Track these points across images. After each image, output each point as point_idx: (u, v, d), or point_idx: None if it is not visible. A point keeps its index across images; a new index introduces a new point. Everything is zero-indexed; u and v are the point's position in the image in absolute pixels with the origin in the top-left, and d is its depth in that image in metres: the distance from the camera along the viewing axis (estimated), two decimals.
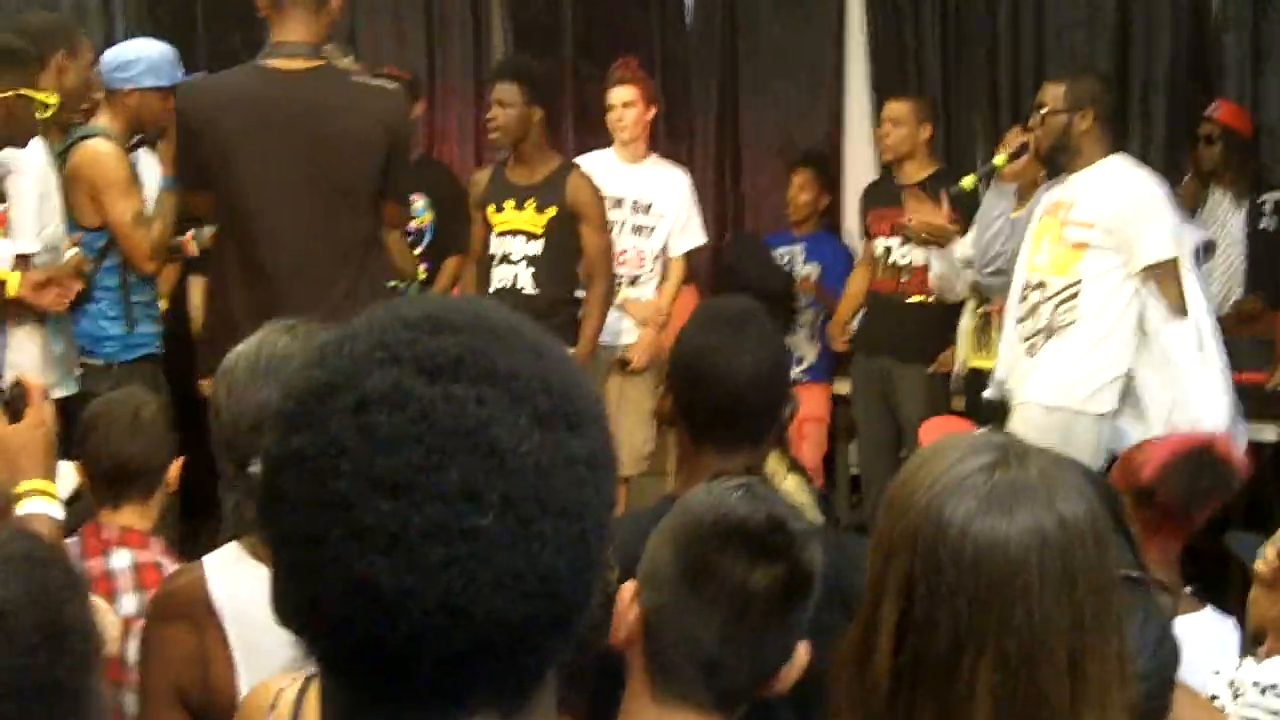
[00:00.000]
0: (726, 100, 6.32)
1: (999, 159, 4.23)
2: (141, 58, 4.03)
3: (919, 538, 1.18)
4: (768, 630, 1.47)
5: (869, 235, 5.25)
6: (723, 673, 1.46)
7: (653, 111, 5.00)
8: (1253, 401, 4.30)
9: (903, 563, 1.19)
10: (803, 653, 1.50)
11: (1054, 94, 3.97)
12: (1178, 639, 1.72)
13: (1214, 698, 1.94)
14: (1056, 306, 3.95)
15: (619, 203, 4.84)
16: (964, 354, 4.75)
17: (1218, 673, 1.99)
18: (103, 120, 4.04)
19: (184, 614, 1.85)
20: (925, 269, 4.88)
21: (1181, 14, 5.48)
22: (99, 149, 3.93)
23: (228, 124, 3.26)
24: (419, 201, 5.24)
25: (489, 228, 4.55)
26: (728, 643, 1.45)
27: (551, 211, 4.47)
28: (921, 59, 5.96)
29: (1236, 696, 1.92)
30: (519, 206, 4.50)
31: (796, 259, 5.57)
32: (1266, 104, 5.31)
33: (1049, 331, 3.93)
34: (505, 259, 4.51)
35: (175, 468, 2.77)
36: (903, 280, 5.04)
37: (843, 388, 5.38)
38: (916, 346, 4.96)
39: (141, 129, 4.09)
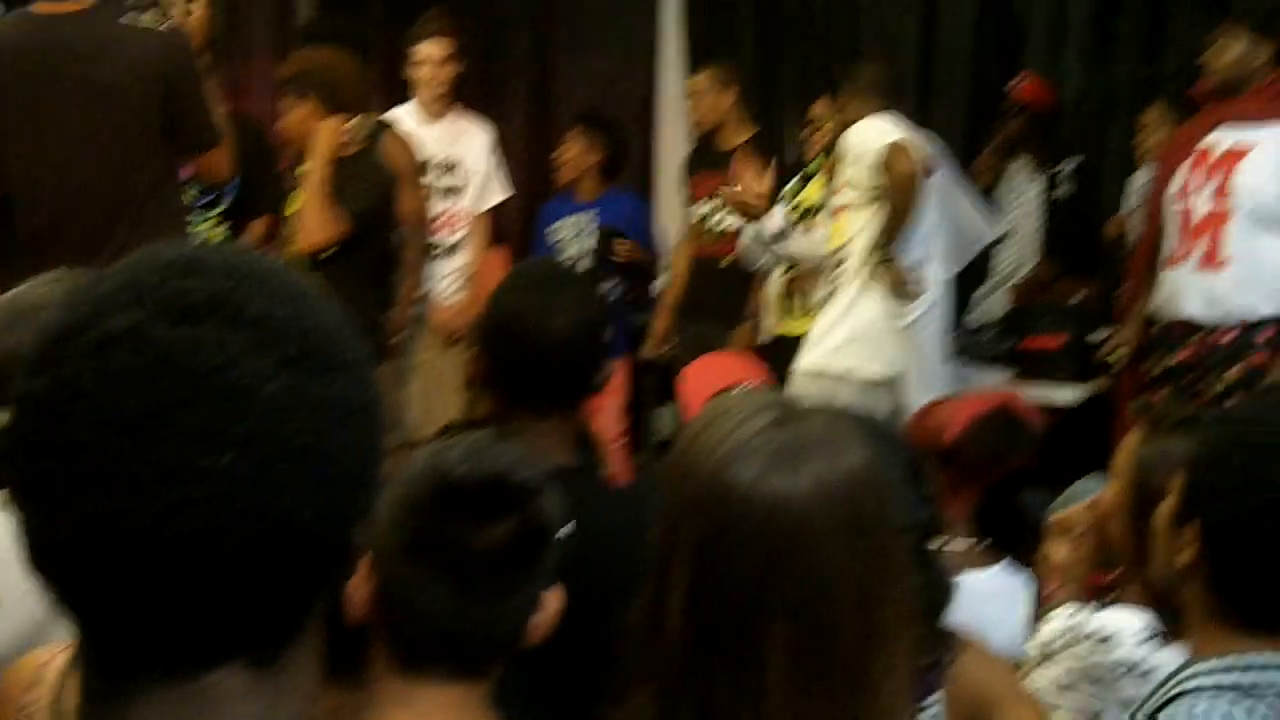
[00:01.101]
0: (540, 64, 6.27)
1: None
2: None
3: (706, 503, 1.17)
4: (504, 590, 1.43)
5: (692, 200, 5.25)
6: (463, 640, 1.42)
7: (459, 67, 4.85)
8: (1046, 365, 4.47)
9: (691, 529, 1.18)
10: (554, 599, 1.48)
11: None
12: (951, 583, 1.75)
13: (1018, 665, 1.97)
14: (831, 276, 4.08)
15: (422, 166, 4.60)
16: (772, 319, 4.79)
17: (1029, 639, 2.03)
18: None
19: None
20: (737, 232, 4.91)
21: None
22: None
23: None
24: None
25: None
26: (463, 610, 1.41)
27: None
28: (735, 28, 6.00)
29: (1048, 656, 1.95)
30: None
31: (586, 227, 5.33)
32: (1069, 76, 5.48)
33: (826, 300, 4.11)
34: None
35: None
36: (720, 244, 5.06)
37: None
38: (737, 310, 4.99)
39: None
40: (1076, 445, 3.79)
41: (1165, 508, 1.61)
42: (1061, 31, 5.49)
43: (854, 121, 4.10)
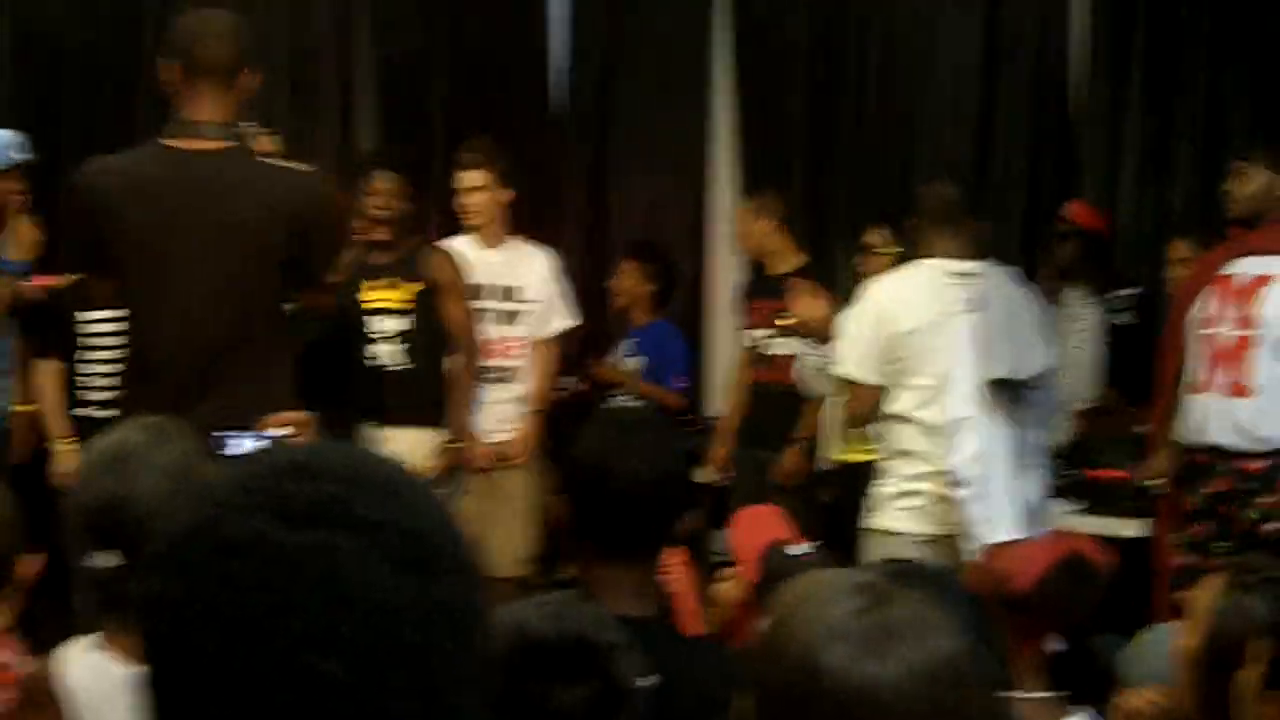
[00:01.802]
0: (593, 189, 6.34)
1: None
2: None
3: (795, 687, 1.16)
4: None
5: (746, 326, 5.26)
6: None
7: (507, 194, 4.82)
8: (1112, 498, 4.40)
9: (779, 712, 1.16)
10: None
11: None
12: None
13: None
14: None
15: (478, 290, 4.70)
16: (834, 446, 4.75)
17: None
18: None
19: (36, 702, 1.87)
20: (791, 357, 4.91)
21: (1044, 108, 5.65)
22: None
23: (125, 208, 3.03)
24: None
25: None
26: None
27: (418, 285, 4.44)
28: (789, 152, 6.06)
29: None
30: (385, 285, 4.48)
31: (626, 354, 5.52)
32: (1125, 201, 5.47)
33: None
34: (375, 337, 4.48)
35: (30, 563, 2.68)
36: (772, 369, 5.05)
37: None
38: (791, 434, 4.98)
39: None
40: (1142, 581, 3.72)
41: (1252, 674, 1.57)
42: (1116, 155, 5.51)
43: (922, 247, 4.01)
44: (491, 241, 4.84)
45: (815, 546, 2.58)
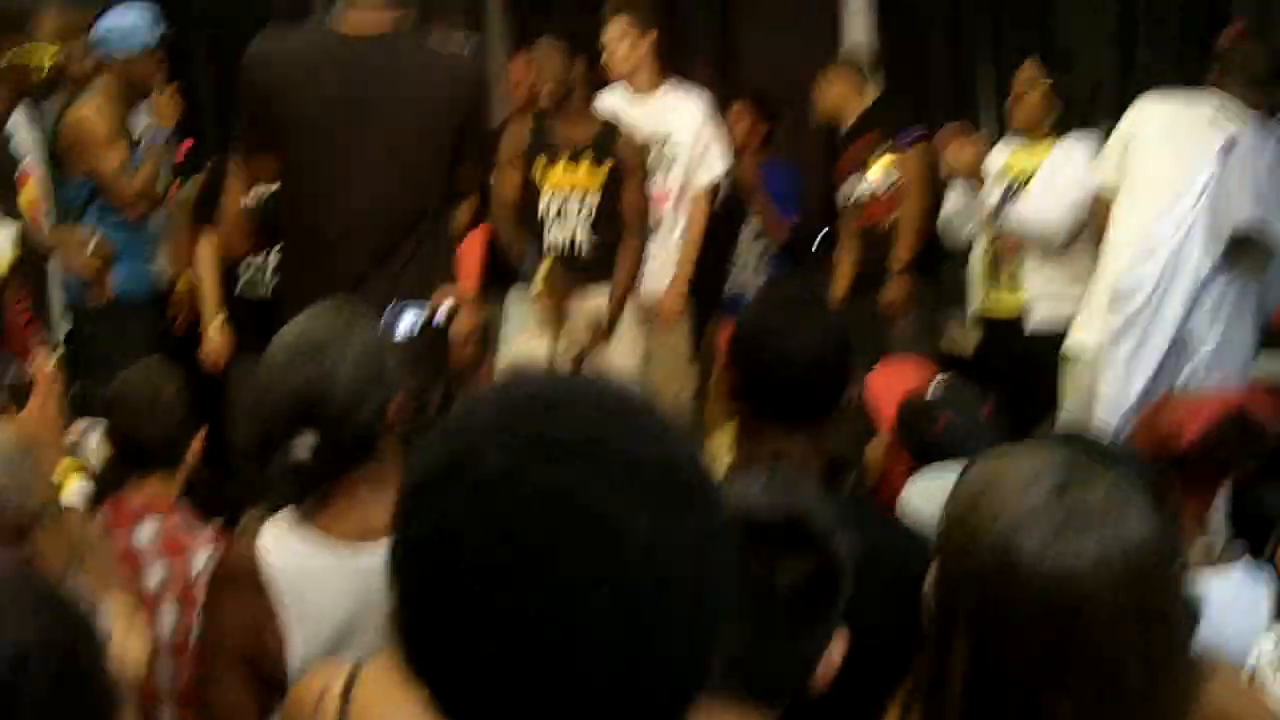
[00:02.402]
0: (724, 48, 6.25)
1: None
2: (116, 26, 4.44)
3: (987, 574, 1.17)
4: (800, 628, 1.46)
5: (839, 179, 5.12)
6: (757, 671, 1.44)
7: (650, 36, 4.74)
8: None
9: (971, 599, 1.18)
10: (838, 648, 1.49)
11: None
12: (1199, 604, 1.71)
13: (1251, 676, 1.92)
14: None
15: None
16: (978, 295, 4.67)
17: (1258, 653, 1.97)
18: (99, 81, 4.43)
19: (240, 582, 1.89)
20: (885, 194, 4.90)
21: None
22: (82, 109, 4.39)
23: (295, 89, 3.11)
24: None
25: (530, 184, 4.49)
26: (760, 644, 1.44)
27: (609, 164, 4.41)
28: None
29: None
30: (574, 161, 4.44)
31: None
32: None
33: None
34: (560, 215, 4.45)
35: (197, 443, 2.86)
36: (869, 211, 4.96)
37: None
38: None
39: (132, 88, 4.49)
40: None
41: None
42: None
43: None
44: (643, 88, 4.80)
45: (946, 381, 2.59)
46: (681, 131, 4.78)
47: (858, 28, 5.90)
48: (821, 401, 2.00)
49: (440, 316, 2.83)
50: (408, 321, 2.76)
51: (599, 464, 0.76)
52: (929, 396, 2.55)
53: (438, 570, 0.77)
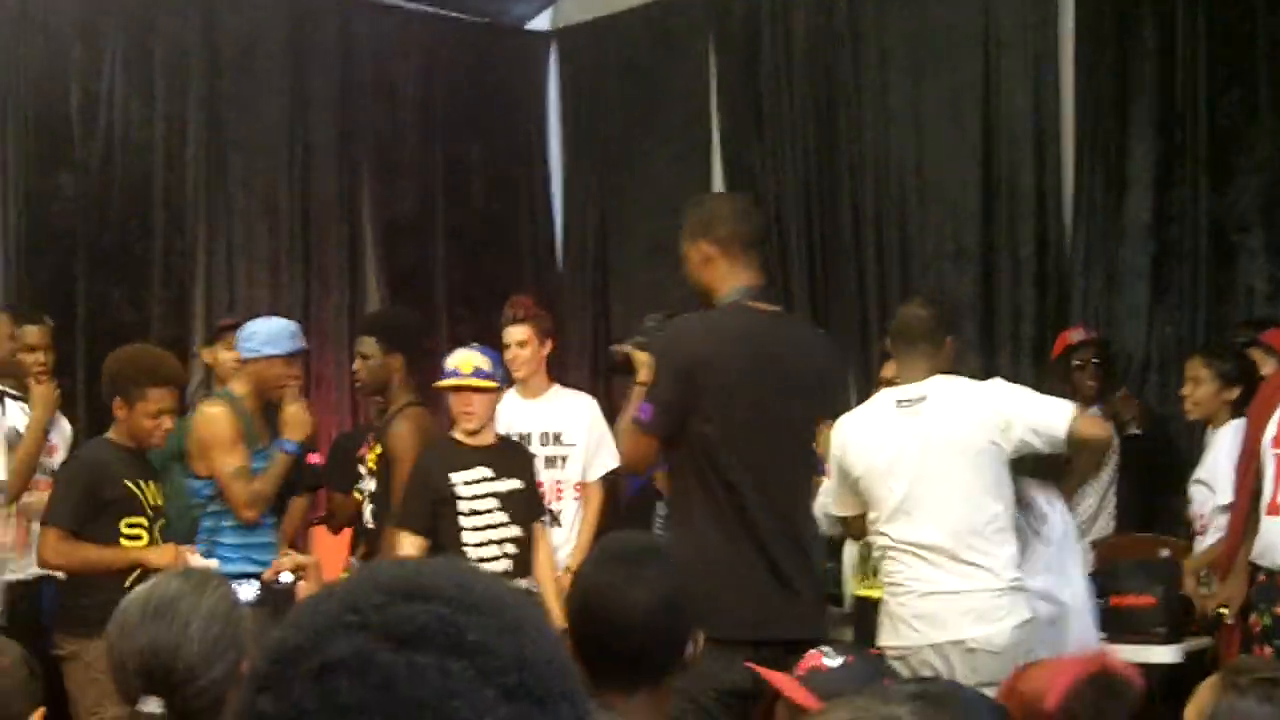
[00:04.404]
0: (600, 341, 6.41)
1: None
2: (259, 330, 4.52)
3: None
4: None
5: None
6: None
7: (548, 346, 5.03)
8: (1139, 624, 4.29)
9: None
10: None
11: None
12: None
13: None
14: None
15: (526, 438, 4.85)
16: (850, 585, 4.67)
17: None
18: (234, 385, 4.57)
19: None
20: None
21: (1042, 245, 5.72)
22: (209, 409, 4.46)
23: (727, 361, 3.32)
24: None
25: None
26: None
27: (378, 449, 4.64)
28: (790, 289, 6.16)
29: None
30: (371, 446, 4.72)
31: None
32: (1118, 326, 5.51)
33: None
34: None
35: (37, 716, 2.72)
36: None
37: None
38: None
39: (265, 392, 4.50)
40: (1179, 707, 3.58)
41: None
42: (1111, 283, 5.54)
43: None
44: (536, 392, 5.01)
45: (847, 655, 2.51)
46: (575, 429, 5.00)
47: None
48: (657, 662, 1.91)
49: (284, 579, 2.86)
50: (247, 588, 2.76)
51: (451, 653, 0.74)
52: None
53: None
